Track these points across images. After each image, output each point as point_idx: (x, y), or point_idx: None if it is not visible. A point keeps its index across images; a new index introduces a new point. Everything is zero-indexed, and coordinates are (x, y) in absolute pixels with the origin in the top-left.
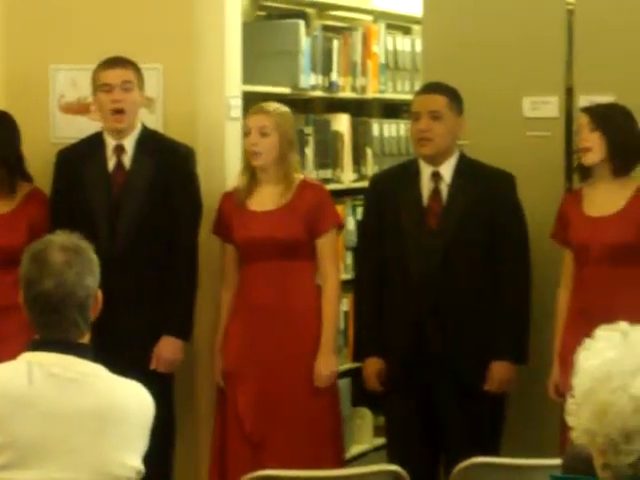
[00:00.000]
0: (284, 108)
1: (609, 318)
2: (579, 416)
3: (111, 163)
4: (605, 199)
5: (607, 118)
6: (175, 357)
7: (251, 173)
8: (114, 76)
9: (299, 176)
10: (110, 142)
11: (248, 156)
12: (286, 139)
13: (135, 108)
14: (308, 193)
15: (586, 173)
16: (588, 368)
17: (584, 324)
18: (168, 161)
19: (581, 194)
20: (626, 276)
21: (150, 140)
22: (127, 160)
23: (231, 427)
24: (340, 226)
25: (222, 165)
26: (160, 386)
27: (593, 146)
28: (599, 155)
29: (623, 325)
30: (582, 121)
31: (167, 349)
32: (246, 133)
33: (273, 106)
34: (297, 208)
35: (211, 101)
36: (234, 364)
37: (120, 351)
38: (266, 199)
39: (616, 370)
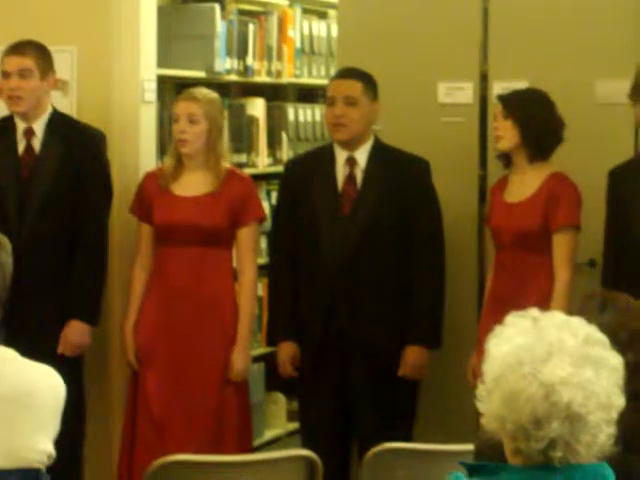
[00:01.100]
0: (213, 94)
1: (521, 304)
2: (489, 402)
3: (21, 146)
4: (521, 185)
5: (519, 106)
6: (82, 341)
7: (178, 157)
8: (11, 64)
9: (226, 165)
10: (20, 125)
11: (176, 143)
12: (215, 127)
13: (35, 94)
14: (235, 183)
15: (507, 160)
16: (498, 354)
17: (499, 309)
18: (78, 145)
19: (507, 180)
20: (535, 262)
21: (61, 124)
22: (37, 143)
23: (141, 409)
24: (262, 220)
25: (136, 149)
26: (69, 370)
27: (505, 134)
28: (511, 142)
29: (533, 311)
30: (496, 109)
31: (74, 333)
32: (175, 120)
33: (202, 93)
34: (223, 197)
35: (125, 85)
36: (146, 345)
37: (29, 334)
38: (192, 185)
39: (526, 356)
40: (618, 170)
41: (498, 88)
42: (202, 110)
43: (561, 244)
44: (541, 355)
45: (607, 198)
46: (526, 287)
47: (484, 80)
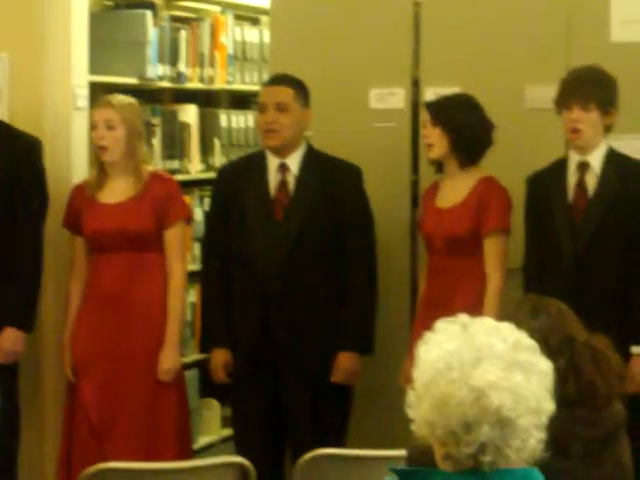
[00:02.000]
0: (130, 99)
1: (452, 308)
2: (419, 408)
3: None
4: (452, 190)
5: (447, 113)
6: (15, 349)
7: (100, 166)
8: None
9: (148, 168)
10: None
11: (96, 151)
12: (134, 131)
13: None
14: (157, 185)
15: (439, 166)
16: (428, 360)
17: (431, 314)
18: (13, 152)
19: (438, 185)
20: (466, 267)
21: None
22: None
23: (78, 419)
24: (188, 219)
25: (68, 155)
26: (2, 378)
27: (435, 142)
28: (441, 150)
29: (463, 317)
30: (424, 117)
31: (7, 340)
32: (92, 127)
33: (118, 98)
34: (146, 200)
35: (57, 91)
36: (82, 354)
37: None
38: (116, 191)
39: (456, 361)
40: (535, 176)
41: (430, 94)
42: (119, 115)
43: (492, 248)
44: (470, 360)
45: (525, 204)
46: (457, 291)
47: (416, 86)
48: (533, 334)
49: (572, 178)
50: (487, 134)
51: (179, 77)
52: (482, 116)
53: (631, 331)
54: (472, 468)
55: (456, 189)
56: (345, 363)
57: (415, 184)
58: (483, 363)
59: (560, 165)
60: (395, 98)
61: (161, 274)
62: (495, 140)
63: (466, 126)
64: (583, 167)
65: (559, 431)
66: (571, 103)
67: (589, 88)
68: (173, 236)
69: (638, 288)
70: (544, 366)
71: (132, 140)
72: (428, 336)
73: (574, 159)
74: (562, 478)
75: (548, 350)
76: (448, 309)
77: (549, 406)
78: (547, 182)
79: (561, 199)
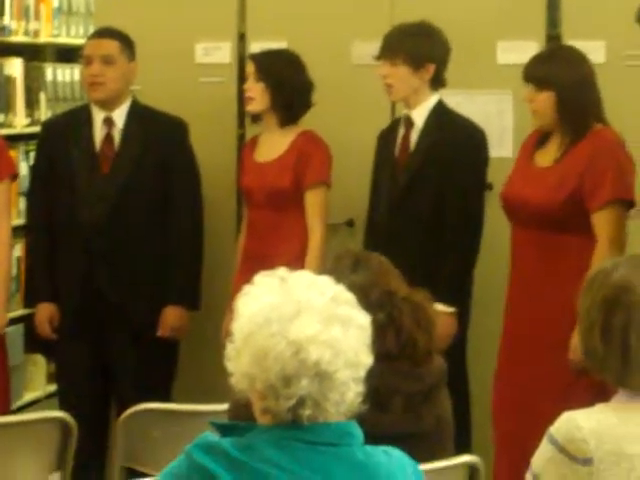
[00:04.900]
0: None
1: (272, 263)
2: (239, 361)
3: None
4: (271, 145)
5: (272, 69)
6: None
7: None
8: None
9: None
10: None
11: None
12: None
13: None
14: None
15: (256, 119)
16: (247, 313)
17: (251, 267)
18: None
19: (256, 140)
20: (285, 221)
21: None
22: None
23: None
24: (14, 175)
25: None
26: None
27: (256, 96)
28: (262, 105)
29: (281, 271)
30: (249, 69)
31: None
32: None
33: None
34: None
35: None
36: None
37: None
38: None
39: (274, 315)
40: (381, 133)
41: (256, 48)
42: None
43: (312, 202)
44: (289, 313)
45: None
46: (279, 245)
47: (242, 40)
48: (353, 288)
49: (400, 133)
50: (309, 95)
51: (3, 30)
52: (306, 76)
53: (436, 288)
54: (291, 422)
55: (275, 143)
56: (172, 318)
57: (242, 138)
58: (301, 317)
59: (398, 121)
60: (221, 52)
61: None
62: (322, 96)
63: (290, 85)
64: (408, 122)
65: (380, 385)
66: (381, 58)
67: (397, 43)
68: None
69: (446, 245)
70: (362, 320)
71: None
72: (247, 289)
73: (403, 114)
74: (382, 431)
75: (368, 304)
76: (269, 263)
77: (367, 360)
78: (387, 138)
79: (388, 154)
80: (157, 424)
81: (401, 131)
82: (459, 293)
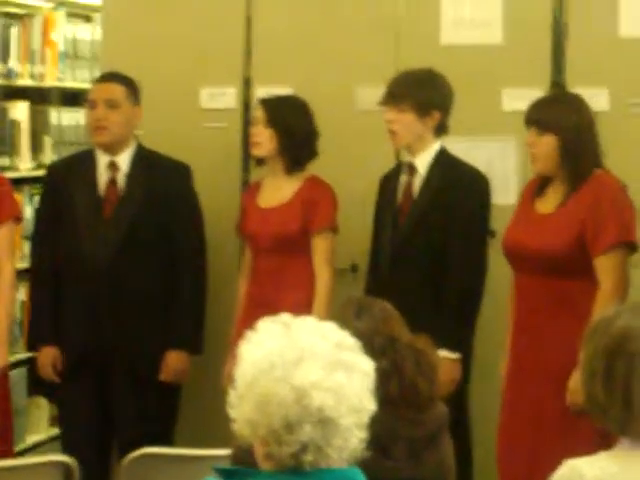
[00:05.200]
0: None
1: (277, 308)
2: (241, 407)
3: None
4: (276, 190)
5: (282, 115)
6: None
7: None
8: None
9: None
10: None
11: None
12: None
13: None
14: None
15: (261, 162)
16: (250, 359)
17: (255, 314)
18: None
19: (259, 186)
20: (291, 266)
21: None
22: None
23: None
24: (18, 218)
25: None
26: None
27: (264, 141)
28: (269, 150)
29: (285, 317)
30: (258, 114)
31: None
32: None
33: None
34: None
35: None
36: None
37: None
38: None
39: (278, 361)
40: (384, 177)
41: (261, 93)
42: None
43: (320, 247)
44: (293, 359)
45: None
46: (286, 290)
47: (247, 85)
48: (357, 334)
49: (403, 180)
50: (316, 142)
51: (9, 73)
52: (314, 124)
53: (439, 334)
54: (293, 467)
55: (281, 189)
56: (174, 362)
57: (246, 183)
58: (305, 362)
59: (401, 166)
60: (226, 97)
61: None
62: (326, 141)
63: (299, 132)
64: (411, 169)
65: (382, 431)
66: (386, 104)
67: (404, 89)
68: (3, 235)
69: (448, 292)
70: (366, 366)
71: None
72: (250, 335)
73: (406, 160)
74: (384, 477)
75: (371, 350)
76: (275, 309)
77: (371, 406)
78: (388, 183)
79: (391, 201)
80: (159, 469)
81: (404, 178)
82: (463, 339)
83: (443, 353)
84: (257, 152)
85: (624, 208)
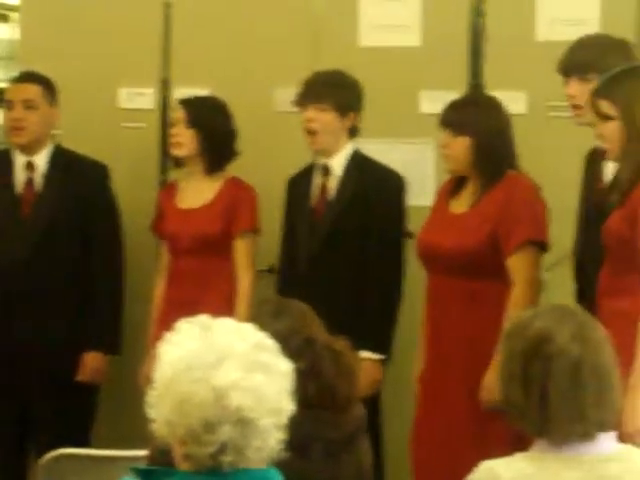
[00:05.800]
0: None
1: (198, 310)
2: (160, 407)
3: None
4: (196, 191)
5: (202, 116)
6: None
7: None
8: None
9: None
10: None
11: None
12: None
13: None
14: None
15: (180, 163)
16: (169, 359)
17: (175, 315)
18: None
19: (177, 187)
20: (213, 268)
21: None
22: None
23: None
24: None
25: None
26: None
27: (185, 142)
28: (189, 151)
29: (203, 318)
30: (178, 114)
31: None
32: None
33: None
34: None
35: None
36: None
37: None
38: None
39: (196, 361)
40: (291, 179)
41: (179, 94)
42: None
43: (241, 249)
44: (211, 360)
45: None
46: (206, 292)
47: (165, 86)
48: (274, 335)
49: (317, 181)
50: (235, 143)
51: None
52: (233, 124)
53: (360, 335)
54: (211, 468)
55: (202, 190)
56: (91, 362)
57: (164, 184)
58: (224, 363)
59: (311, 168)
60: (144, 98)
61: None
62: (245, 142)
63: (220, 132)
64: (326, 170)
65: (301, 432)
66: (306, 103)
67: (325, 88)
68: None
69: (368, 294)
70: (284, 367)
71: None
72: (169, 336)
73: (320, 162)
74: (302, 478)
75: (289, 351)
76: (195, 310)
77: (289, 407)
78: (299, 185)
79: (305, 202)
80: (76, 469)
81: (317, 180)
82: (384, 340)
83: (365, 354)
84: (178, 152)
85: (536, 208)
